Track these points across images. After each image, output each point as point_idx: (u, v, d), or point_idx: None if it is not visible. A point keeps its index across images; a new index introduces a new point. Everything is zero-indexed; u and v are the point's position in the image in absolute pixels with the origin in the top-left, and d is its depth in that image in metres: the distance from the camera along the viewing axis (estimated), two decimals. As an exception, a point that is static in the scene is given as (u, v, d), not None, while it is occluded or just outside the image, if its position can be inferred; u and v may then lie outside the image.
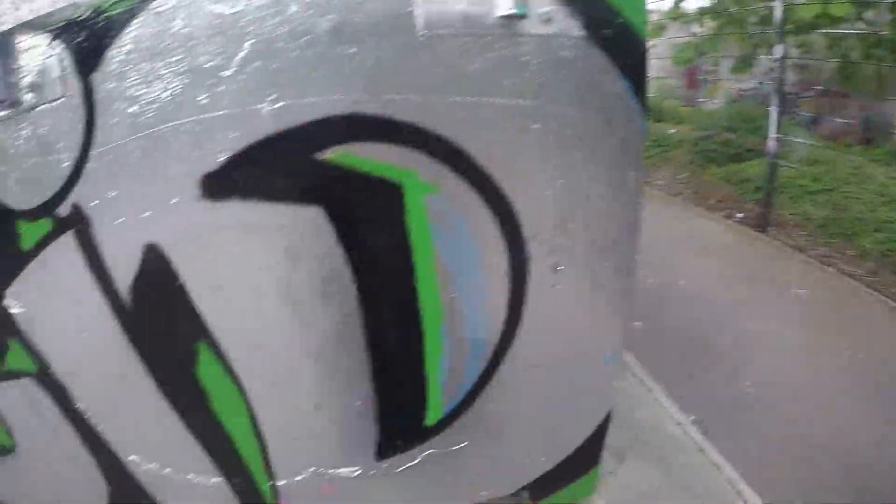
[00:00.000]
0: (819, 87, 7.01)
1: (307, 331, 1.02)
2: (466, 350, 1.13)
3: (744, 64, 7.21)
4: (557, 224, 1.05)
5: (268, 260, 0.95)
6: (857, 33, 5.99)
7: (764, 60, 6.80)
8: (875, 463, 2.88)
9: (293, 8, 0.88)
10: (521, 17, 0.88)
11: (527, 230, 1.04)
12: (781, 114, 5.67)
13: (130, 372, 1.04)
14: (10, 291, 1.01)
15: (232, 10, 0.89)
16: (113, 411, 1.07)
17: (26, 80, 0.94)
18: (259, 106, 0.88)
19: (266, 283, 0.97)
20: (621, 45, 0.99)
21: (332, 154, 0.90)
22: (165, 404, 1.07)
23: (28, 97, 0.94)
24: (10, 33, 0.93)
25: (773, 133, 5.66)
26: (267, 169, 0.90)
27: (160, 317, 1.01)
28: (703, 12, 7.51)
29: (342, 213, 0.94)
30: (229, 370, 1.05)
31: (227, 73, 0.89)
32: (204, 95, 0.89)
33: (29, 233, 0.98)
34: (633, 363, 3.54)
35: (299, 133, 0.89)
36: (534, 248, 1.06)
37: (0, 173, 0.97)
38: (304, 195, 0.92)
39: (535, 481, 1.41)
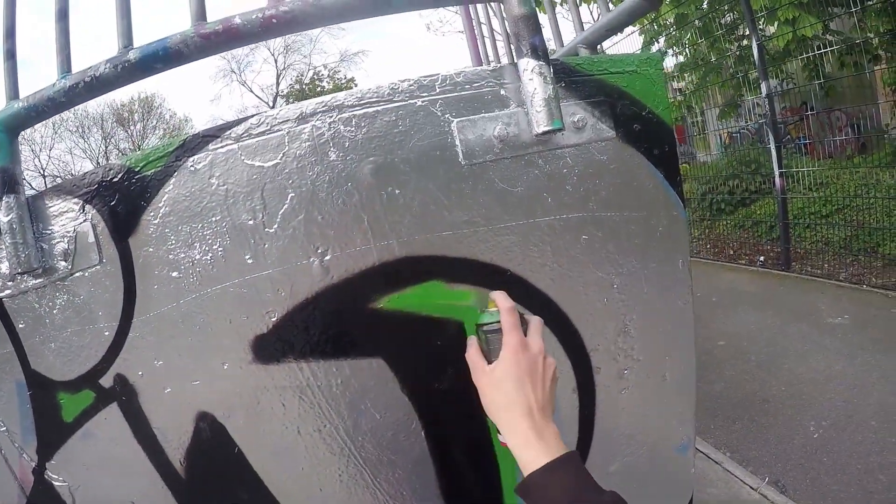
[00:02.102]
0: (806, 112, 7.13)
1: (376, 486, 0.96)
2: None
3: (730, 109, 7.39)
4: (618, 329, 1.02)
5: (329, 418, 0.91)
6: (828, 50, 6.15)
7: (749, 100, 6.97)
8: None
9: (332, 155, 0.87)
10: (559, 130, 0.86)
11: (589, 342, 1.01)
12: (780, 148, 5.74)
13: None
14: (51, 465, 0.96)
15: (271, 163, 0.88)
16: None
17: (59, 247, 0.92)
18: (307, 261, 0.86)
19: (329, 442, 0.92)
20: (651, 136, 0.99)
21: (387, 301, 0.87)
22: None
23: (62, 265, 0.92)
24: (41, 197, 0.93)
25: (777, 169, 5.72)
26: (321, 325, 0.87)
27: (219, 486, 0.96)
28: (682, 67, 7.78)
29: (404, 361, 0.90)
30: (300, 535, 0.99)
31: (271, 229, 0.87)
32: (248, 255, 0.87)
33: (70, 404, 0.94)
34: None
35: (351, 285, 0.87)
36: (598, 359, 1.03)
37: (36, 343, 0.94)
38: (362, 348, 0.89)
39: None
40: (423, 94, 0.88)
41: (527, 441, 0.72)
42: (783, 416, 3.53)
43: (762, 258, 6.48)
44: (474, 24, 3.50)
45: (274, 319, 0.88)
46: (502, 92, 0.90)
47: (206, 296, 0.90)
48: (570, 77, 0.93)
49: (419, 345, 0.89)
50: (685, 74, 7.87)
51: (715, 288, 6.05)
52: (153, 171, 0.89)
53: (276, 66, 27.17)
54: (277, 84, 27.25)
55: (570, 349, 0.99)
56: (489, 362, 0.79)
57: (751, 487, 2.88)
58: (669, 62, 8.15)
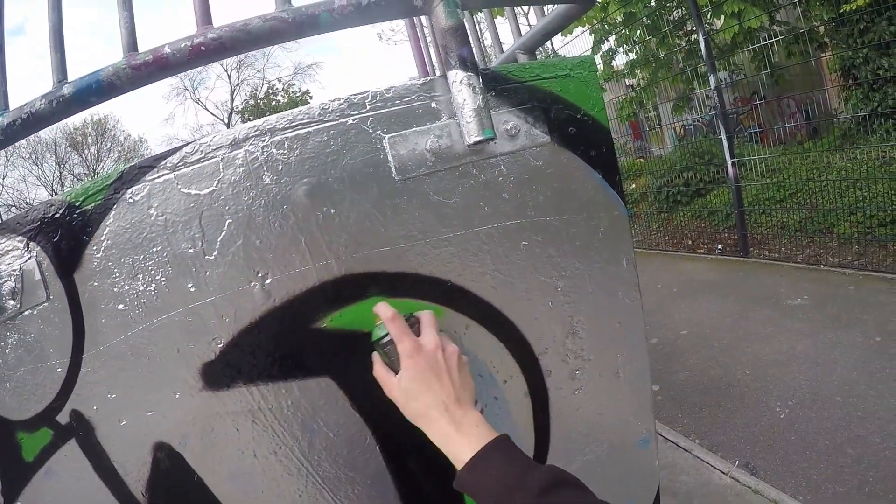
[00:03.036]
0: (755, 101, 7.30)
1: (338, 502, 0.97)
2: None
3: (682, 103, 7.52)
4: (566, 331, 1.04)
5: (284, 439, 0.91)
6: (775, 40, 6.30)
7: (699, 93, 7.11)
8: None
9: (266, 179, 0.87)
10: (491, 139, 0.87)
11: (537, 346, 1.02)
12: (731, 138, 5.90)
13: None
14: (17, 506, 0.96)
15: (207, 191, 0.88)
16: None
17: (7, 286, 0.91)
18: (248, 286, 0.87)
19: (286, 463, 0.92)
20: (587, 138, 1.01)
21: (330, 320, 0.88)
22: None
23: (10, 303, 0.91)
24: (-16, 237, 0.92)
25: (729, 159, 5.85)
26: (266, 348, 0.87)
27: (185, 515, 0.95)
28: (633, 64, 7.90)
29: (351, 378, 0.91)
30: (268, 559, 0.99)
31: (211, 256, 0.87)
32: (190, 283, 0.88)
33: (30, 443, 0.93)
34: (660, 429, 3.50)
35: (293, 306, 0.87)
36: (548, 362, 1.04)
37: (-8, 384, 0.93)
38: (309, 368, 0.89)
39: None
40: (354, 113, 0.88)
41: (448, 437, 0.73)
42: (749, 399, 3.60)
43: (720, 246, 6.64)
44: (419, 32, 3.49)
45: (220, 346, 0.88)
46: (433, 105, 0.91)
47: (153, 326, 0.90)
48: (501, 85, 0.94)
49: (365, 361, 0.89)
50: (637, 71, 7.97)
51: (675, 279, 6.17)
52: (93, 204, 0.88)
53: (230, 83, 27.03)
54: (232, 100, 27.10)
55: (518, 354, 1.00)
56: (396, 373, 0.80)
57: (721, 472, 2.93)
58: (621, 60, 8.29)
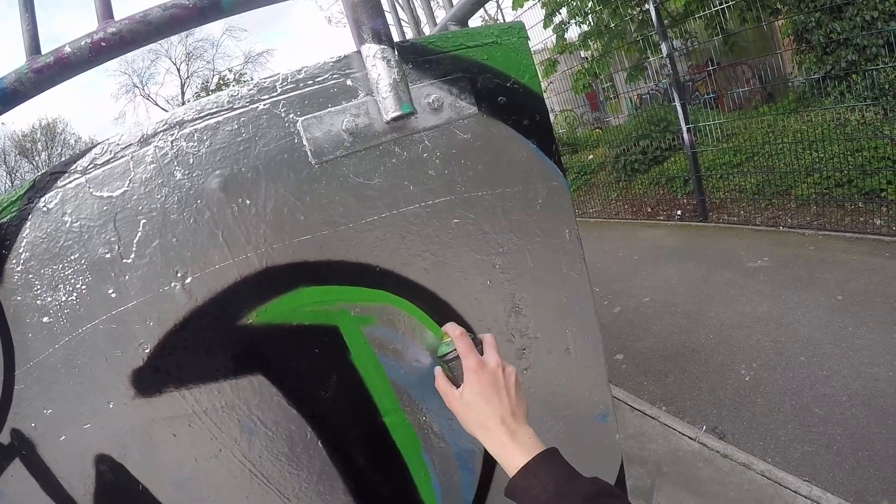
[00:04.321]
0: (709, 68, 7.29)
1: (286, 499, 0.94)
2: (454, 465, 1.07)
3: (636, 72, 7.47)
4: (508, 309, 1.01)
5: (223, 441, 0.88)
6: (727, 6, 6.23)
7: (654, 62, 7.05)
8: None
9: (178, 174, 0.83)
10: (410, 114, 0.84)
11: (478, 328, 0.99)
12: (685, 105, 5.91)
13: None
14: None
15: (119, 192, 0.84)
16: None
17: None
18: (168, 287, 0.83)
19: (228, 466, 0.89)
20: (519, 107, 0.98)
21: (255, 316, 0.84)
22: None
23: None
24: None
25: (684, 125, 5.86)
26: (193, 350, 0.84)
27: (134, 526, 0.93)
28: (586, 36, 7.81)
29: (284, 373, 0.88)
30: (219, 561, 0.97)
31: (129, 259, 0.83)
32: (111, 289, 0.84)
33: None
34: (626, 398, 3.50)
35: (216, 304, 0.83)
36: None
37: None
38: (239, 366, 0.86)
39: None
40: (265, 97, 0.84)
41: (503, 445, 0.78)
42: (714, 363, 3.61)
43: (679, 212, 6.69)
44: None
45: (148, 351, 0.84)
46: (349, 83, 0.86)
47: (79, 337, 0.86)
48: (421, 57, 0.90)
49: (296, 355, 0.86)
50: (590, 42, 7.89)
51: (636, 246, 6.20)
52: (9, 217, 0.84)
53: (180, 76, 26.08)
54: (183, 94, 26.15)
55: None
56: (457, 387, 0.86)
57: (690, 438, 2.94)
58: (574, 32, 8.24)
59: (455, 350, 0.86)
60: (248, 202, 0.83)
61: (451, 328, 0.88)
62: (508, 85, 0.96)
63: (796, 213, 5.44)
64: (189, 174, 0.83)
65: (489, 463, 1.00)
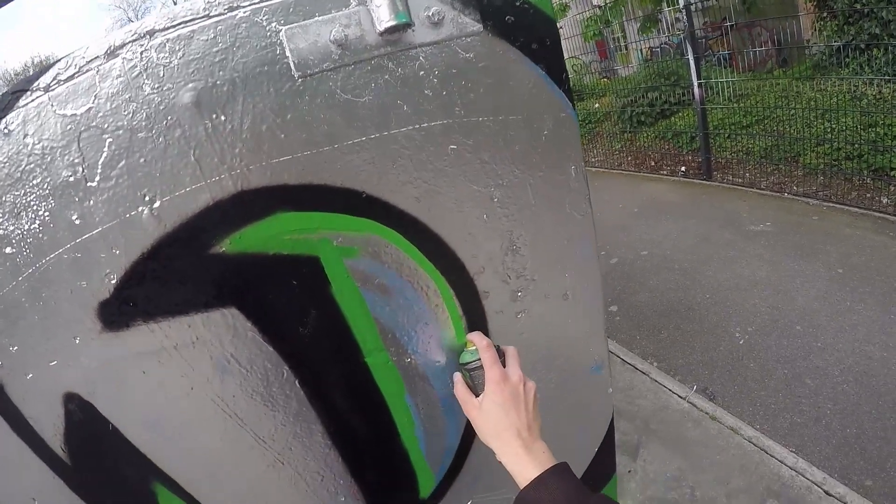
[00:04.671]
0: (725, 25, 7.08)
1: (261, 442, 0.89)
2: (438, 410, 1.02)
3: (650, 23, 7.23)
4: (505, 247, 0.94)
5: (194, 379, 0.82)
6: None
7: (668, 14, 6.82)
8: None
9: (147, 89, 0.75)
10: (406, 26, 0.75)
11: (471, 265, 0.93)
12: (698, 60, 5.73)
13: None
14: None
15: (84, 109, 0.76)
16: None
17: None
18: (135, 212, 0.75)
19: (201, 405, 0.84)
20: (528, 29, 0.88)
21: (228, 243, 0.77)
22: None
23: None
24: None
25: (696, 80, 5.68)
26: (162, 280, 0.77)
27: (106, 467, 0.88)
28: None
29: (259, 307, 0.81)
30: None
31: (93, 182, 0.76)
32: (75, 215, 0.76)
33: None
34: (618, 351, 3.46)
35: (186, 230, 0.76)
36: (485, 283, 0.95)
37: None
38: (211, 298, 0.79)
39: None
40: (245, 4, 0.75)
41: (517, 457, 0.80)
42: (708, 323, 3.58)
43: (684, 168, 6.58)
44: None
45: (114, 281, 0.77)
46: (340, -12, 0.78)
47: (43, 268, 0.79)
48: (422, -36, 0.81)
49: (273, 287, 0.79)
50: None
51: (637, 199, 6.11)
52: None
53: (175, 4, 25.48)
54: None
55: (448, 274, 0.90)
56: (476, 395, 0.88)
57: (679, 397, 2.92)
58: None
59: (479, 360, 0.87)
60: (223, 118, 0.75)
61: (478, 338, 0.89)
62: (518, 4, 0.87)
63: (803, 182, 5.34)
64: (159, 88, 0.75)
65: None
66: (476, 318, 0.96)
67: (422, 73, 0.81)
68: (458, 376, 0.92)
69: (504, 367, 0.88)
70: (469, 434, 1.07)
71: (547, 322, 1.03)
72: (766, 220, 4.79)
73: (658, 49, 8.10)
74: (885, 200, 4.71)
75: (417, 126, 0.81)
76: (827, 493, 2.26)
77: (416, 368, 0.96)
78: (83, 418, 0.84)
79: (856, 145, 5.05)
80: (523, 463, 0.79)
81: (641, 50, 8.32)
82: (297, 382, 0.86)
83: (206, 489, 0.91)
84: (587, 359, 1.16)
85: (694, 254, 4.48)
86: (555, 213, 0.95)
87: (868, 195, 4.85)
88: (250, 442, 0.88)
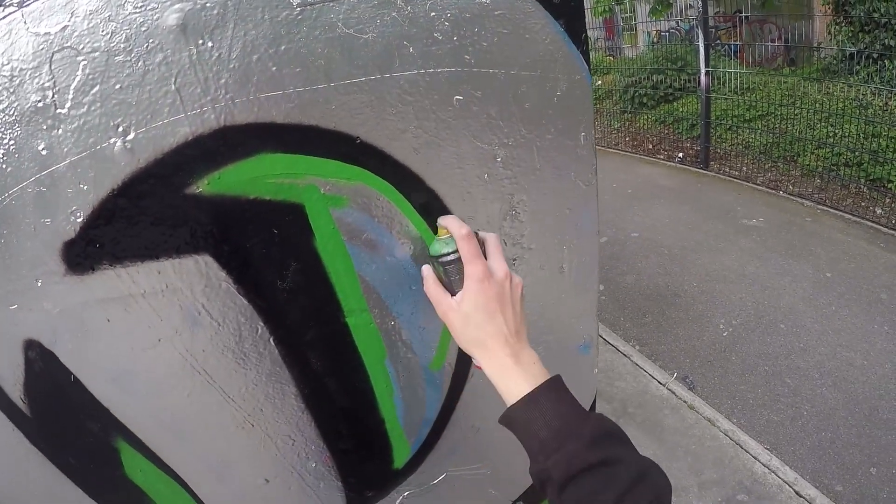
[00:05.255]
0: (739, 16, 7.05)
1: (231, 401, 0.83)
2: (419, 379, 0.97)
3: (662, 6, 7.17)
4: (504, 211, 0.89)
5: (162, 330, 0.76)
6: None
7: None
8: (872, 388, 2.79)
9: (129, 7, 0.68)
10: None
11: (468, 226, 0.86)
12: (708, 47, 5.69)
13: (55, 488, 0.85)
14: None
15: (58, 27, 0.69)
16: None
17: None
18: (107, 143, 0.69)
19: (168, 359, 0.78)
20: (549, -21, 0.81)
21: (206, 184, 0.70)
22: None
23: None
24: None
25: (703, 68, 5.64)
26: (132, 220, 0.70)
27: (67, 421, 0.82)
28: None
29: (236, 256, 0.75)
30: (160, 463, 0.86)
31: (64, 109, 0.69)
32: (42, 145, 0.69)
33: None
34: (601, 331, 3.43)
35: (162, 166, 0.69)
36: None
37: None
38: (183, 243, 0.72)
39: (529, 489, 1.30)
40: (242, -85, 0.69)
41: (504, 368, 0.71)
42: (694, 311, 3.58)
43: (681, 154, 6.58)
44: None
45: (80, 220, 0.71)
46: None
47: (5, 203, 0.72)
48: None
49: (252, 235, 0.73)
50: None
51: (631, 180, 6.10)
52: None
53: None
54: None
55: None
56: (452, 294, 0.75)
57: (659, 382, 2.92)
58: None
59: (456, 251, 0.74)
60: (210, 45, 0.68)
61: (454, 224, 0.74)
62: (541, -49, 0.80)
63: (799, 182, 5.35)
64: (142, 7, 0.67)
65: (458, 382, 0.90)
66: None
67: (433, 13, 0.74)
68: (427, 270, 0.78)
69: (486, 258, 0.75)
70: (448, 407, 1.03)
71: (539, 295, 0.98)
72: (759, 216, 4.79)
73: (666, 33, 8.08)
74: (879, 211, 4.73)
75: (423, 71, 0.74)
76: (797, 493, 2.27)
77: (399, 333, 0.90)
78: (44, 368, 0.78)
79: (856, 153, 5.05)
80: (511, 376, 0.70)
81: (650, 32, 8.27)
82: (271, 340, 0.81)
83: (171, 448, 0.86)
84: (576, 337, 1.11)
85: (684, 241, 4.47)
86: (559, 181, 0.89)
87: (863, 204, 4.88)
88: (219, 401, 0.82)
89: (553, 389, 0.68)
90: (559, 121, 0.86)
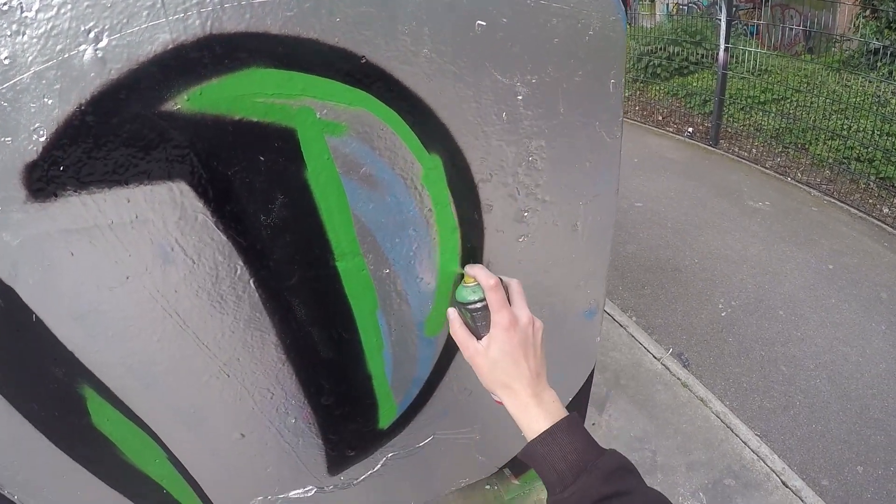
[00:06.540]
0: None
1: (205, 348, 0.77)
2: (413, 335, 0.91)
3: None
4: (520, 157, 0.81)
5: (132, 267, 0.68)
6: None
7: None
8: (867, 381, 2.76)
9: None
10: None
11: (478, 169, 0.79)
12: (730, 23, 5.57)
13: (19, 434, 0.78)
14: None
15: (27, -88, 0.59)
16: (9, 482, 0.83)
17: None
18: (76, 51, 0.60)
19: (137, 298, 0.70)
20: None
21: (186, 100, 0.62)
22: (71, 465, 0.83)
23: None
24: None
25: (723, 44, 5.51)
26: (100, 140, 0.62)
27: (30, 364, 0.74)
28: None
29: (215, 184, 0.66)
30: (128, 412, 0.80)
31: (31, 13, 0.60)
32: (4, 53, 0.61)
33: None
34: None
35: (137, 78, 0.60)
36: (490, 193, 0.82)
37: None
38: (157, 168, 0.64)
39: (515, 458, 1.30)
40: None
41: (527, 408, 0.75)
42: (693, 288, 3.53)
43: (691, 129, 6.50)
44: None
45: (43, 139, 0.63)
46: None
47: None
48: None
49: (234, 160, 0.64)
50: None
51: (639, 150, 6.02)
52: None
53: None
54: None
55: (450, 174, 0.77)
56: (478, 338, 0.80)
57: (654, 356, 2.88)
58: None
59: (483, 301, 0.79)
60: (195, -62, 0.59)
61: (482, 275, 0.79)
62: None
63: (808, 171, 5.25)
64: None
65: (454, 342, 0.83)
66: (472, 233, 0.84)
67: (459, -82, 0.65)
68: (453, 314, 0.83)
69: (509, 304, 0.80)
70: (442, 366, 0.98)
71: (550, 253, 0.92)
72: (765, 199, 4.72)
73: (686, 7, 7.97)
74: (886, 210, 4.68)
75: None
76: (784, 483, 2.26)
77: (393, 283, 0.83)
78: (3, 305, 0.70)
79: (869, 149, 4.96)
80: (532, 415, 0.74)
81: (668, 4, 8.14)
82: (251, 282, 0.73)
83: (140, 397, 0.80)
84: (583, 301, 1.05)
85: (688, 216, 4.41)
86: (583, 130, 0.81)
87: (871, 200, 4.82)
88: (192, 347, 0.76)
89: (570, 426, 0.73)
90: (589, 63, 0.78)
